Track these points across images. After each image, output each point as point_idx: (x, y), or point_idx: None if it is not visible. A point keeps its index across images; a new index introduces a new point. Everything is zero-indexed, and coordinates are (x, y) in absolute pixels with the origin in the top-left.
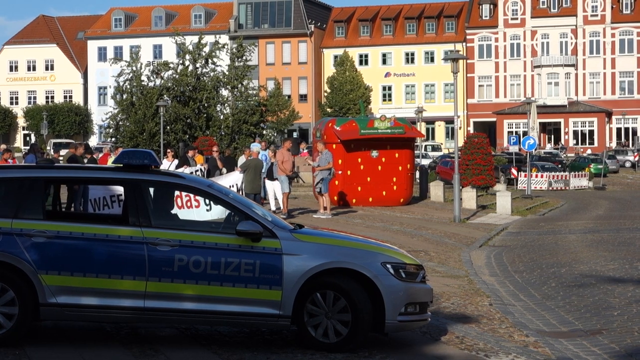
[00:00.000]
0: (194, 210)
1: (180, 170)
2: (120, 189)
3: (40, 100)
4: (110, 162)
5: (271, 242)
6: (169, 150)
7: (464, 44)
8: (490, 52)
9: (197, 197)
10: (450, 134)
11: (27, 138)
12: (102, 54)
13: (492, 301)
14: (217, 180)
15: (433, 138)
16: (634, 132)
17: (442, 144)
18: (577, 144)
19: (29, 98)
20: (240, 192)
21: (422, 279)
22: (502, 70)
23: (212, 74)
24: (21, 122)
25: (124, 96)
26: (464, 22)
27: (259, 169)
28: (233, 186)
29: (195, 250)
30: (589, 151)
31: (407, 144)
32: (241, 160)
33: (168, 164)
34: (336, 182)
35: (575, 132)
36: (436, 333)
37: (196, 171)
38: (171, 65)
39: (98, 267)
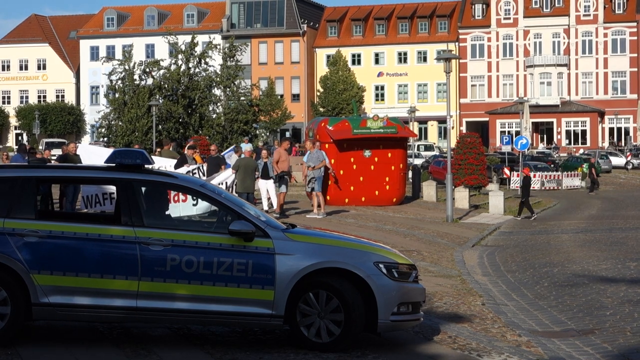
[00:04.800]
0: (180, 204)
1: (181, 169)
2: (112, 187)
3: (33, 100)
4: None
5: (264, 242)
6: (157, 150)
7: (456, 43)
8: (482, 51)
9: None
10: (443, 133)
11: (19, 137)
12: (94, 54)
13: (484, 301)
14: (208, 178)
15: (426, 138)
16: (627, 132)
17: (434, 143)
18: (569, 143)
19: (21, 97)
20: (230, 190)
21: (414, 278)
22: (495, 70)
23: (204, 73)
24: (13, 121)
25: (117, 95)
26: (457, 22)
27: (249, 169)
28: (222, 184)
29: (188, 249)
30: (581, 151)
31: (400, 144)
32: (233, 159)
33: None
34: (329, 182)
35: (567, 132)
36: (429, 333)
37: (192, 171)
38: (162, 64)
39: (90, 266)
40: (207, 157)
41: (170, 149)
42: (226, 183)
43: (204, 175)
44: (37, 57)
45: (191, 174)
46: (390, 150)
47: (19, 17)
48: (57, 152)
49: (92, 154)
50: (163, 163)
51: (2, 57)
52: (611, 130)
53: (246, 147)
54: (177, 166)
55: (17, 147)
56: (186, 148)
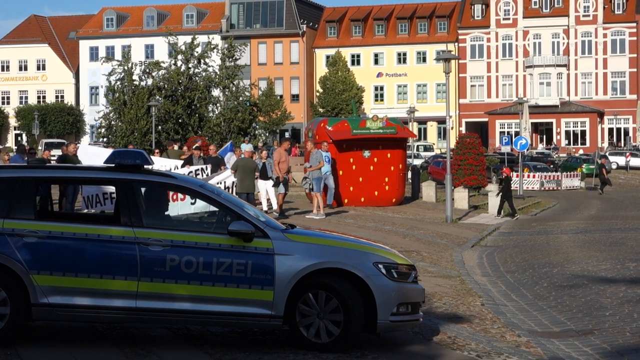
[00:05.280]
0: (178, 203)
1: (183, 170)
2: (113, 187)
3: (32, 100)
4: None
5: (263, 242)
6: (156, 151)
7: (456, 44)
8: (482, 52)
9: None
10: (442, 134)
11: (19, 138)
12: (93, 54)
13: (484, 301)
14: (205, 178)
15: (425, 138)
16: (626, 133)
17: (434, 144)
18: (569, 144)
19: (21, 98)
20: (229, 190)
21: (414, 279)
22: (494, 70)
23: (204, 73)
24: (12, 122)
25: (116, 95)
26: (456, 22)
27: (247, 169)
28: (220, 183)
29: (187, 250)
30: (580, 151)
31: (399, 144)
32: (232, 159)
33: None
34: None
35: (567, 132)
36: (428, 333)
37: (196, 171)
38: (162, 65)
39: (90, 267)
40: (207, 158)
41: (176, 148)
42: (224, 183)
43: (208, 175)
44: (37, 58)
45: (194, 175)
46: (389, 150)
47: (19, 18)
48: (56, 152)
49: (92, 154)
50: (169, 164)
51: (1, 58)
52: (610, 130)
53: (246, 147)
54: (183, 166)
55: (15, 147)
56: (193, 148)
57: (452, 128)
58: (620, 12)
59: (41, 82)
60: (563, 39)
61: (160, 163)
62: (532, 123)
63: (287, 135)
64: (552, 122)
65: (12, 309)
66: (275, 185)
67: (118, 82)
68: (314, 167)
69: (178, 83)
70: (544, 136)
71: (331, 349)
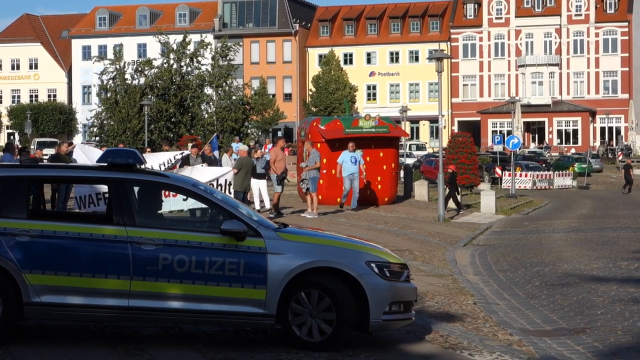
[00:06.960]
0: (170, 199)
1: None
2: (105, 187)
3: (24, 99)
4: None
5: (255, 241)
6: (147, 149)
7: (448, 43)
8: (474, 51)
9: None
10: (435, 133)
11: (11, 137)
12: (86, 53)
13: (476, 300)
14: (197, 173)
15: (417, 137)
16: (618, 132)
17: (426, 143)
18: (561, 143)
19: (13, 97)
20: (221, 188)
21: (406, 278)
22: (487, 69)
23: (196, 72)
24: (5, 121)
25: (108, 94)
26: (449, 22)
27: (249, 168)
28: (214, 181)
29: (180, 249)
30: (572, 150)
31: (392, 143)
32: (225, 159)
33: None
34: (321, 181)
35: (559, 132)
36: (420, 332)
37: (168, 161)
38: (155, 64)
39: (82, 266)
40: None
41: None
42: (217, 180)
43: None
44: (29, 57)
45: (165, 165)
46: (382, 149)
47: (11, 17)
48: (48, 151)
49: (88, 154)
50: (162, 158)
51: None
52: (602, 129)
53: (242, 147)
54: (181, 165)
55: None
56: (190, 147)
57: (444, 127)
58: (612, 12)
59: (34, 81)
60: (555, 38)
61: (153, 159)
62: (524, 122)
63: (279, 134)
64: (544, 121)
65: (4, 308)
66: (279, 183)
67: (110, 81)
68: (310, 166)
69: (171, 81)
70: (536, 135)
71: (323, 347)
